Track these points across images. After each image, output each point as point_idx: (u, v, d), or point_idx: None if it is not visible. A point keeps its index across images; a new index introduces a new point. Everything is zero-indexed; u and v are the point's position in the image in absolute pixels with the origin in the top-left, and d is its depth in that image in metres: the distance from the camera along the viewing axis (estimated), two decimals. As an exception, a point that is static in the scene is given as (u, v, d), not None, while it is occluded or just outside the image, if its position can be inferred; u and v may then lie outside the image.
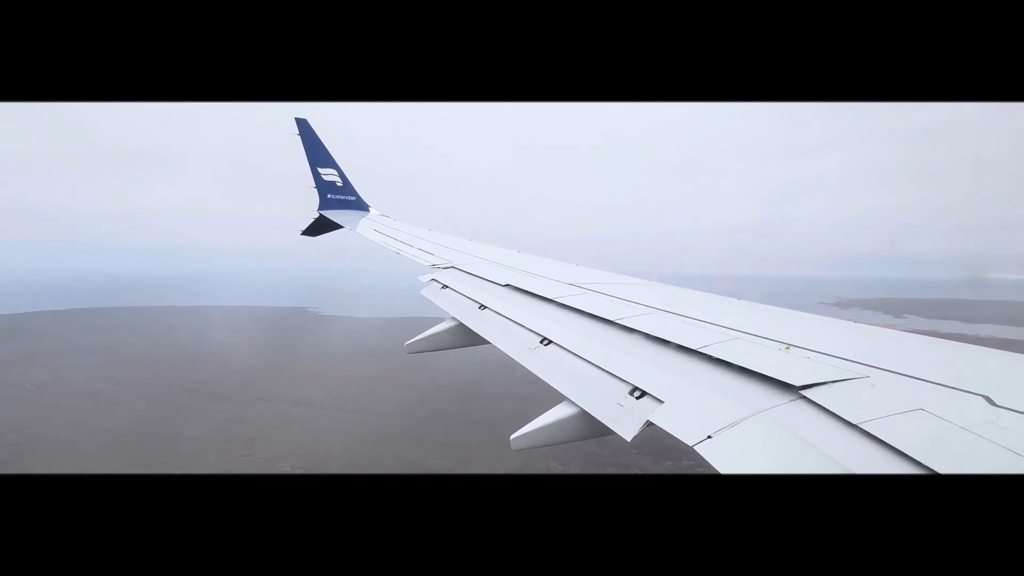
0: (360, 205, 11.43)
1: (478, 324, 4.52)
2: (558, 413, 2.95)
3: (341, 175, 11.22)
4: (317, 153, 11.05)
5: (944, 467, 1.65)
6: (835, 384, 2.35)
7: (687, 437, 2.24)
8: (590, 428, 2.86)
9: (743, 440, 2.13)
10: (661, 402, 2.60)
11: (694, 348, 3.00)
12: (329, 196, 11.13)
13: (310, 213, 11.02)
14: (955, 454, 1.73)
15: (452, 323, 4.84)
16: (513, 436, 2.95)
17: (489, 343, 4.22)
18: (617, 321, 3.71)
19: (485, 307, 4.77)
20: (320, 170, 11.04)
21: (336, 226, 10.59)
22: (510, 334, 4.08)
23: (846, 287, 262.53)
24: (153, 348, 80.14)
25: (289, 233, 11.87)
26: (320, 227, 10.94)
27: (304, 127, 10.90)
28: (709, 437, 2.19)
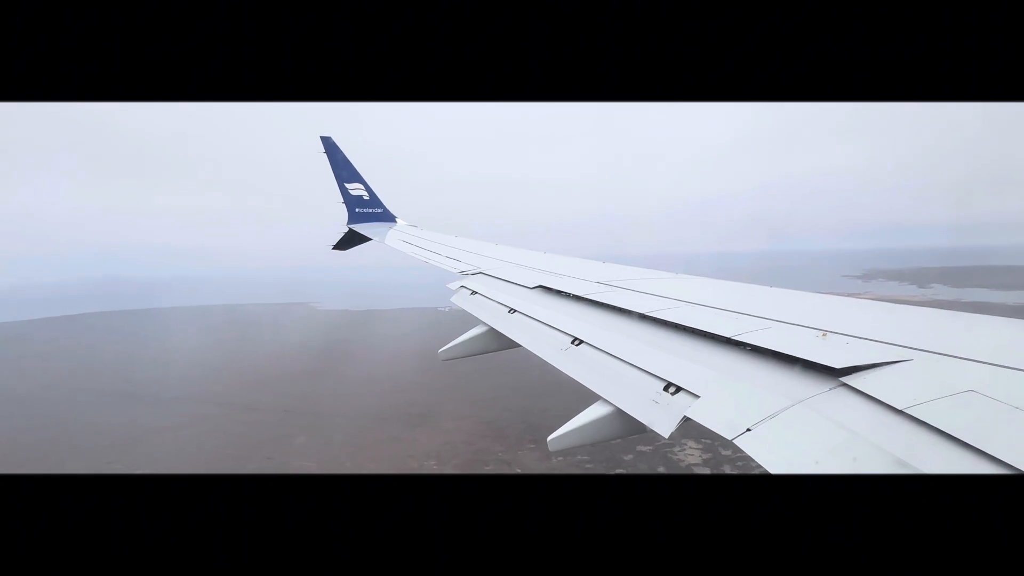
0: (387, 217, 11.59)
1: (509, 328, 4.50)
2: (593, 413, 2.90)
3: (367, 189, 11.41)
4: (343, 169, 11.27)
5: (1001, 452, 1.54)
6: (877, 369, 2.25)
7: (725, 431, 2.18)
8: (626, 426, 2.80)
9: (784, 431, 2.06)
10: (697, 396, 2.53)
11: (727, 336, 2.93)
12: (357, 210, 11.33)
13: (340, 225, 11.33)
14: (1013, 437, 1.62)
15: (483, 328, 4.81)
16: (550, 438, 2.90)
17: (520, 346, 4.21)
18: (648, 315, 3.64)
19: (515, 311, 4.74)
20: (347, 185, 11.27)
21: (365, 239, 10.75)
22: (541, 336, 4.04)
23: (871, 258, 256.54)
24: (118, 350, 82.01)
25: (320, 240, 12.33)
26: (350, 241, 11.16)
27: (329, 145, 11.06)
28: (748, 430, 2.12)
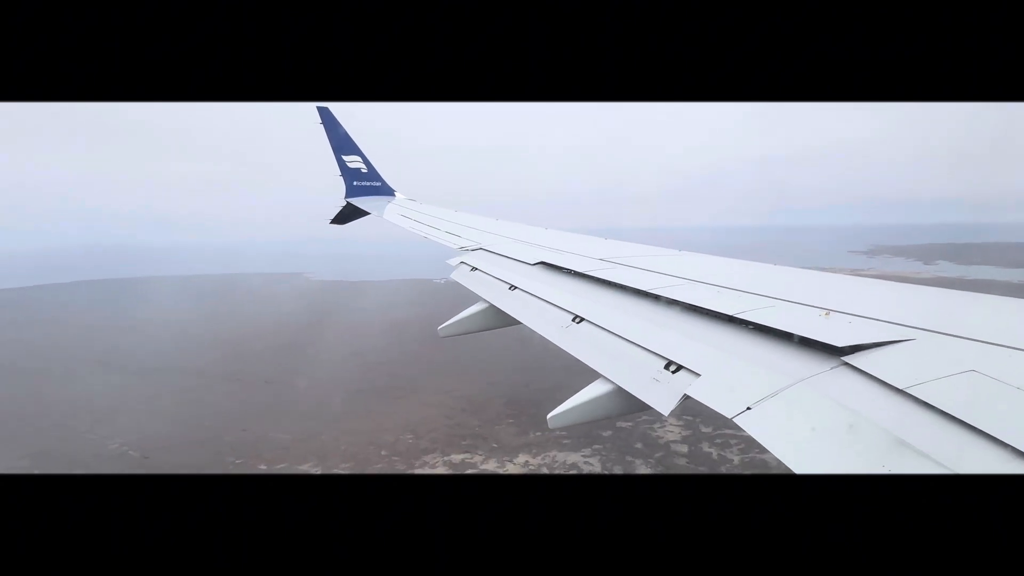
0: (386, 190, 11.39)
1: (509, 305, 4.47)
2: (594, 391, 2.89)
3: (366, 161, 11.22)
4: (341, 141, 11.03)
5: (1000, 432, 1.55)
6: (878, 348, 2.25)
7: (726, 410, 2.18)
8: (626, 404, 2.80)
9: (784, 410, 2.06)
10: (697, 375, 2.53)
11: (729, 315, 2.91)
12: (355, 183, 11.15)
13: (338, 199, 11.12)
14: (1012, 418, 1.63)
15: (483, 305, 4.78)
16: (550, 415, 2.89)
17: (520, 323, 4.18)
18: (650, 293, 3.62)
19: (516, 287, 4.69)
20: (344, 158, 11.07)
21: (364, 213, 10.57)
22: (542, 314, 4.02)
23: (878, 233, 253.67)
24: (106, 319, 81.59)
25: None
26: (348, 215, 10.96)
27: (326, 116, 10.81)
28: (748, 409, 2.13)
